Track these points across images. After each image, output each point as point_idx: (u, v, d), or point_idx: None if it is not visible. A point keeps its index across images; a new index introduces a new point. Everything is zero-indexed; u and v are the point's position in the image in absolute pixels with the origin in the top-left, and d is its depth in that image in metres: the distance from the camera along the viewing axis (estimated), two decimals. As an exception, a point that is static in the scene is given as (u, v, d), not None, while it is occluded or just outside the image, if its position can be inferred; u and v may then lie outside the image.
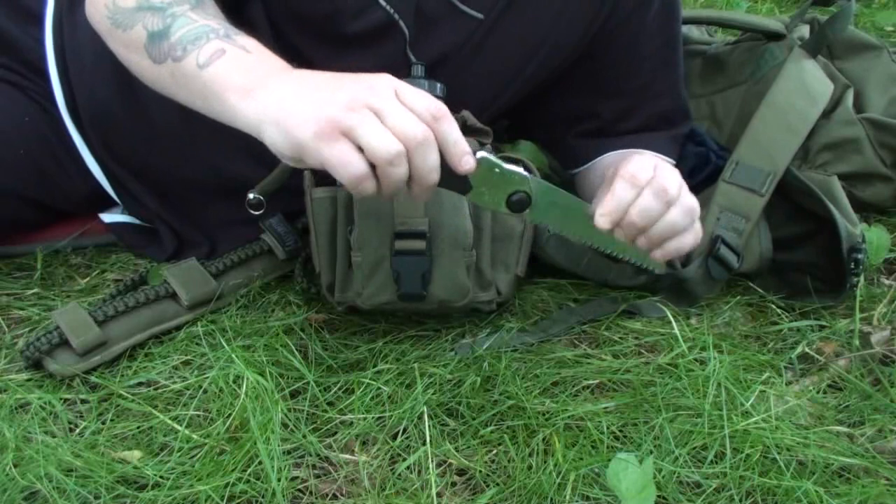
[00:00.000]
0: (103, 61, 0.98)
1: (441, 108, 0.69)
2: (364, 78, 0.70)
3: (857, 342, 0.93)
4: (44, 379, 0.86)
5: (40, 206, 1.06)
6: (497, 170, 0.75)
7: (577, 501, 0.73)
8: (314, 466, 0.77)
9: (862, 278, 0.99)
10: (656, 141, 1.05)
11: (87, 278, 1.05)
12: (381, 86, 0.69)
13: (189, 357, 0.89)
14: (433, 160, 0.69)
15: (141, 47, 0.78)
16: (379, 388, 0.84)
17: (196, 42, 0.75)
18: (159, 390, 0.85)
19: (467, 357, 0.89)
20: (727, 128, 1.16)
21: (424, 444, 0.78)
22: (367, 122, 0.66)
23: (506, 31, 0.94)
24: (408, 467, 0.76)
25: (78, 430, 0.80)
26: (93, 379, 0.86)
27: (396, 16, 0.90)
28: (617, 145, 1.05)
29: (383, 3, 0.89)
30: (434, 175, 0.70)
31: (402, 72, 0.92)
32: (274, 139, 0.69)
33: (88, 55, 1.00)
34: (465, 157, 0.71)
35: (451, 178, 0.72)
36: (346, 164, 0.66)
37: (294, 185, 0.92)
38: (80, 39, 1.00)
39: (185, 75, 0.75)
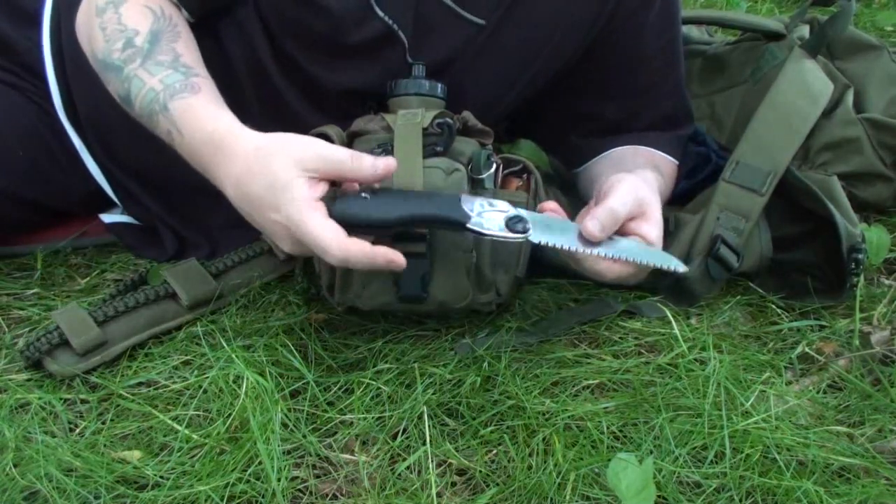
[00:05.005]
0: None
1: None
2: None
3: (857, 342, 0.92)
4: (44, 379, 0.86)
5: (40, 206, 1.05)
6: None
7: (577, 501, 0.73)
8: (314, 466, 0.77)
9: (862, 278, 0.99)
10: (661, 140, 1.05)
11: (87, 278, 1.05)
12: None
13: (189, 357, 0.89)
14: None
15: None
16: (379, 388, 0.84)
17: (151, 118, 0.81)
18: (159, 390, 0.85)
19: (467, 357, 0.89)
20: (727, 128, 1.16)
21: (424, 444, 0.78)
22: None
23: (507, 35, 0.94)
24: (408, 467, 0.76)
25: (78, 430, 0.80)
26: (93, 379, 0.86)
27: (395, 26, 0.90)
28: (621, 142, 1.05)
29: (381, 15, 0.89)
30: None
31: (403, 74, 0.93)
32: None
33: (86, 57, 1.00)
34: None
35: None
36: None
37: None
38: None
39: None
